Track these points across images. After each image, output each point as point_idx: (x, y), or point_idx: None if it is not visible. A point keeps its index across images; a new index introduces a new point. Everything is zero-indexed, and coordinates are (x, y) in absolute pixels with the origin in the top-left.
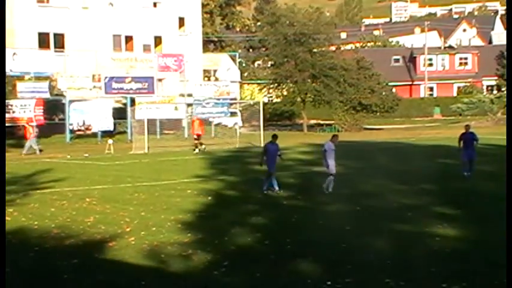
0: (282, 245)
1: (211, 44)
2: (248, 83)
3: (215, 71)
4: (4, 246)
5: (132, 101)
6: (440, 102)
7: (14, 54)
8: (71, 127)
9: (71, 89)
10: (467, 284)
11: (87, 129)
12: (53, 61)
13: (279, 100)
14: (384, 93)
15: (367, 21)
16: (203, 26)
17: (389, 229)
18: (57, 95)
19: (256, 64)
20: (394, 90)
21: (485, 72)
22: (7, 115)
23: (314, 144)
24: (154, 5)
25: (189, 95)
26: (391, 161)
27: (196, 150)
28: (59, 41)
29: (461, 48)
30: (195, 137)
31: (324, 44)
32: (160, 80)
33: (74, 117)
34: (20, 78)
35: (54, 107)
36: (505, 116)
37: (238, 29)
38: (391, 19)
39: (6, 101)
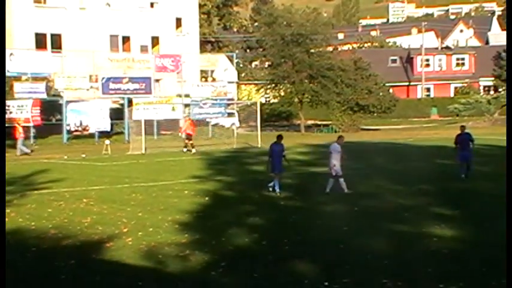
0: (280, 246)
1: (208, 44)
2: (245, 84)
3: (212, 71)
4: (4, 246)
5: (130, 102)
6: (437, 102)
7: (11, 54)
8: (68, 128)
9: (68, 90)
10: (465, 284)
11: (84, 129)
12: (50, 61)
13: (276, 101)
14: (381, 93)
15: (364, 21)
16: (200, 26)
17: (387, 229)
18: (54, 95)
19: (253, 64)
20: (391, 90)
21: (482, 72)
22: None
23: (311, 144)
24: (152, 5)
25: (187, 96)
26: (389, 162)
27: (185, 150)
28: (56, 42)
29: (458, 49)
30: (186, 136)
31: (321, 44)
32: (157, 80)
33: (71, 118)
34: (17, 78)
35: (51, 108)
36: (502, 117)
37: (235, 30)
38: (388, 20)
39: None
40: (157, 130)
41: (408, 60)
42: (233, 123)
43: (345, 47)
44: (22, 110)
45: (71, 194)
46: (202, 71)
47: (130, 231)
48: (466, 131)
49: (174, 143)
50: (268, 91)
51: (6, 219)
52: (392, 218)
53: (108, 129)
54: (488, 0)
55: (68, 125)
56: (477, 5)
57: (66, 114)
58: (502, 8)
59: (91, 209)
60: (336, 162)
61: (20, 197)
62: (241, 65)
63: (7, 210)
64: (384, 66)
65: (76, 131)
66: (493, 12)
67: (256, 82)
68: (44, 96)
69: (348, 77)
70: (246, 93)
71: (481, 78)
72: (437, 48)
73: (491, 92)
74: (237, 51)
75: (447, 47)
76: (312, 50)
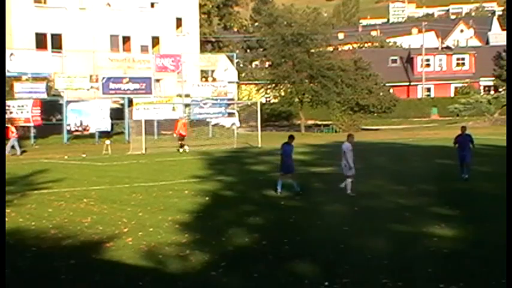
0: (280, 246)
1: (208, 44)
2: (246, 84)
3: (213, 71)
4: (4, 246)
5: (130, 102)
6: (437, 102)
7: (12, 54)
8: (68, 128)
9: (68, 90)
10: (465, 284)
11: (84, 129)
12: (50, 62)
13: (276, 101)
14: (381, 93)
15: (364, 21)
16: (201, 26)
17: (387, 229)
18: (54, 95)
19: (253, 64)
20: (391, 90)
21: (482, 72)
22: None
23: (312, 144)
24: (152, 5)
25: (187, 96)
26: (389, 162)
27: (181, 150)
28: (57, 42)
29: (459, 49)
30: (179, 137)
31: (321, 44)
32: (157, 80)
33: (72, 118)
34: (18, 78)
35: (51, 108)
36: (502, 117)
37: (235, 30)
38: (388, 20)
39: None
40: (158, 130)
41: (408, 60)
42: (233, 123)
43: (345, 47)
44: (22, 110)
45: (71, 194)
46: (202, 71)
47: (130, 231)
48: (467, 132)
49: (174, 143)
50: (268, 91)
51: (7, 219)
52: (392, 217)
53: (109, 129)
54: (488, 0)
55: (68, 125)
56: (477, 5)
57: (66, 114)
58: (502, 8)
59: (91, 209)
60: (350, 162)
61: (20, 197)
62: (241, 65)
63: (7, 210)
64: (384, 66)
65: (76, 131)
66: (493, 12)
67: (256, 82)
68: (44, 96)
69: (348, 77)
70: (246, 93)
71: (481, 78)
72: (437, 48)
73: (492, 92)
74: (237, 51)
75: (447, 47)
76: (312, 50)
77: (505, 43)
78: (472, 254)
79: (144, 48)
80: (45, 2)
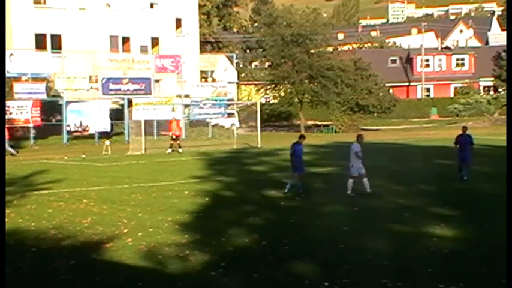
0: (280, 246)
1: (208, 45)
2: (245, 84)
3: (212, 71)
4: (4, 246)
5: (130, 102)
6: (437, 103)
7: (11, 55)
8: (68, 128)
9: (68, 90)
10: (465, 284)
11: (84, 130)
12: (50, 62)
13: (276, 101)
14: (381, 94)
15: (364, 22)
16: (200, 27)
17: (387, 230)
18: (54, 96)
19: (253, 65)
20: (391, 91)
21: (482, 73)
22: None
23: (311, 145)
24: (152, 6)
25: (186, 96)
26: (389, 162)
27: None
28: (56, 42)
29: (458, 49)
30: (173, 137)
31: (321, 44)
32: (157, 81)
33: (71, 119)
34: (17, 79)
35: (51, 108)
36: (502, 117)
37: (235, 30)
38: (388, 20)
39: None
40: (157, 131)
41: (408, 60)
42: (233, 124)
43: (345, 47)
44: (22, 110)
45: (70, 194)
46: (202, 72)
47: (130, 232)
48: (468, 132)
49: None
50: (268, 91)
51: (6, 220)
52: (392, 218)
53: (108, 129)
54: (488, 1)
55: (68, 125)
56: (477, 5)
57: (66, 115)
58: (502, 8)
59: (91, 209)
60: (354, 163)
61: (20, 197)
62: (241, 66)
63: (7, 211)
64: (384, 67)
65: (76, 131)
66: (493, 13)
67: (256, 82)
68: (44, 96)
69: (347, 77)
70: (246, 93)
71: (481, 79)
72: (437, 49)
73: (491, 92)
74: (237, 52)
75: (447, 47)
76: (312, 50)
77: (504, 43)
78: (472, 254)
79: (143, 49)
80: (44, 3)
